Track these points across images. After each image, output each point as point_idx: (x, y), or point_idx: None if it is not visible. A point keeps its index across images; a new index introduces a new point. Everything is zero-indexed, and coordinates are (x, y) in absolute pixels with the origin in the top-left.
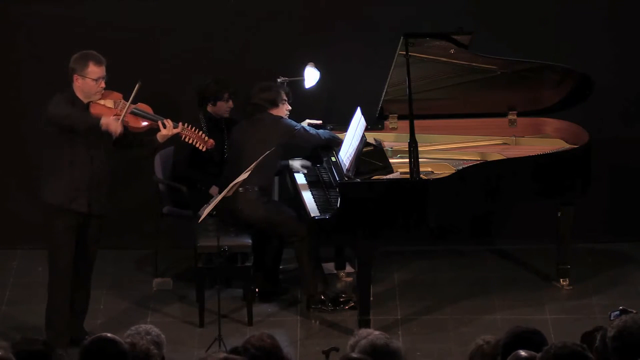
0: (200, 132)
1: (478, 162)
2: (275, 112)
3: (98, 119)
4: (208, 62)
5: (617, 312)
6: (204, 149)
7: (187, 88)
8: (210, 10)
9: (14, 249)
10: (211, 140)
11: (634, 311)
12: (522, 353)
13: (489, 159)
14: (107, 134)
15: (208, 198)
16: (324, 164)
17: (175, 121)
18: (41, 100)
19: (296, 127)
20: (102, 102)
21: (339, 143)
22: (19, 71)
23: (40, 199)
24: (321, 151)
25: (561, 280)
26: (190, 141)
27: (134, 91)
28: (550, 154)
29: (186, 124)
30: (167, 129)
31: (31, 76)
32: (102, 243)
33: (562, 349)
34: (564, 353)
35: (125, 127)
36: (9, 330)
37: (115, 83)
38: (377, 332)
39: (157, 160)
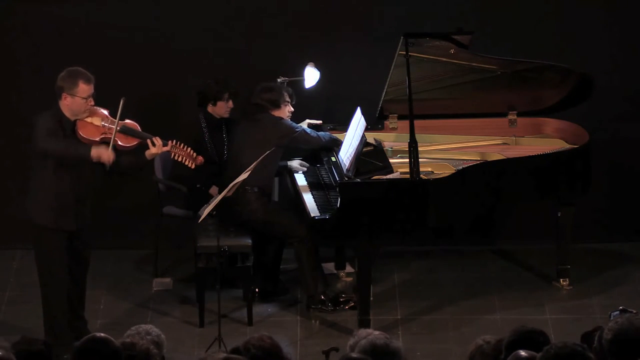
0: (189, 149)
1: (478, 162)
2: (276, 113)
3: (89, 150)
4: (208, 62)
5: (617, 312)
6: (192, 166)
7: (187, 88)
8: (211, 11)
9: (14, 249)
10: (200, 157)
11: (634, 311)
12: (522, 353)
13: (489, 159)
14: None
15: (208, 198)
16: (324, 164)
17: (175, 124)
18: (40, 103)
19: (296, 129)
20: (89, 120)
21: (339, 145)
22: (18, 74)
23: (28, 217)
24: (321, 151)
25: (561, 280)
26: (180, 159)
27: (120, 108)
28: (550, 154)
29: (175, 142)
30: (157, 147)
31: (31, 79)
32: (102, 243)
33: (563, 348)
34: (565, 353)
35: (114, 145)
36: (9, 330)
37: (115, 84)
38: (377, 332)
39: (157, 160)
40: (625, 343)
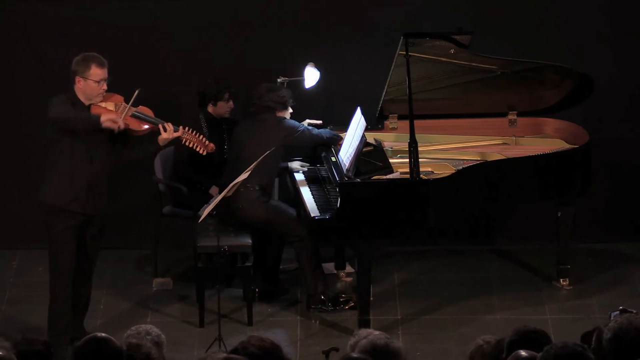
0: (201, 136)
1: (478, 162)
2: (281, 113)
3: (98, 117)
4: (208, 62)
5: (617, 312)
6: (204, 153)
7: (188, 88)
8: (211, 10)
9: (14, 249)
10: (211, 144)
11: (634, 311)
12: (523, 353)
13: (489, 159)
14: (109, 132)
15: (208, 198)
16: (324, 164)
17: (176, 124)
18: (41, 101)
19: (299, 128)
20: (103, 104)
21: (339, 140)
22: (18, 72)
23: (39, 199)
24: (321, 151)
25: (561, 280)
26: (191, 145)
27: (134, 95)
28: (550, 154)
29: (187, 128)
30: (168, 133)
31: (31, 77)
32: (102, 243)
33: (563, 349)
34: (565, 353)
35: (126, 130)
36: (10, 330)
37: (115, 83)
38: (377, 332)
39: (157, 160)
40: (625, 343)
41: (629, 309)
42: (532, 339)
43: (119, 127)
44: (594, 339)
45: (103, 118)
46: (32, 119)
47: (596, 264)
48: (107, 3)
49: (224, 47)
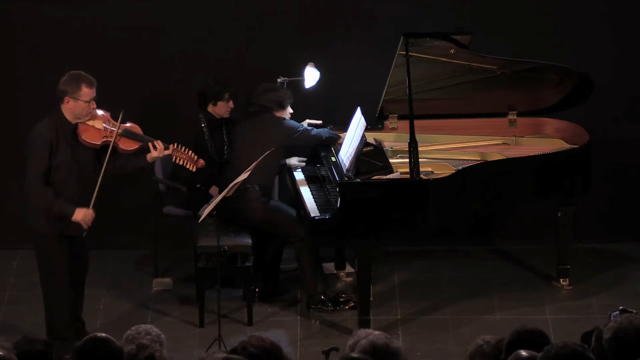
0: (191, 152)
1: (478, 162)
2: (279, 113)
3: (72, 211)
4: (208, 62)
5: (617, 312)
6: (193, 169)
7: (187, 88)
8: (210, 10)
9: (14, 249)
10: (201, 161)
11: (634, 311)
12: (523, 353)
13: (489, 159)
14: (95, 150)
15: (208, 198)
16: (324, 164)
17: (176, 124)
18: (40, 103)
19: (299, 129)
20: (91, 123)
21: (337, 140)
22: (19, 73)
23: (29, 227)
24: (321, 151)
25: (561, 280)
26: (181, 162)
27: (120, 116)
28: (550, 154)
29: (177, 145)
30: (158, 151)
31: (31, 78)
32: (102, 243)
33: (563, 349)
34: (565, 353)
35: (115, 148)
36: (9, 330)
37: (115, 84)
38: (377, 332)
39: (157, 160)
40: (625, 342)
41: (629, 309)
42: (532, 339)
43: (85, 226)
44: (593, 339)
45: (74, 217)
46: (32, 119)
47: (596, 264)
48: (107, 3)
49: (224, 47)
